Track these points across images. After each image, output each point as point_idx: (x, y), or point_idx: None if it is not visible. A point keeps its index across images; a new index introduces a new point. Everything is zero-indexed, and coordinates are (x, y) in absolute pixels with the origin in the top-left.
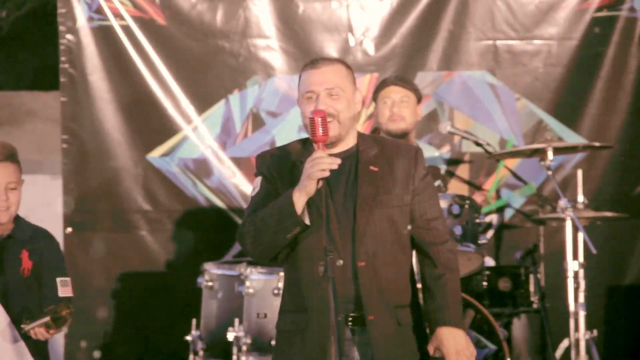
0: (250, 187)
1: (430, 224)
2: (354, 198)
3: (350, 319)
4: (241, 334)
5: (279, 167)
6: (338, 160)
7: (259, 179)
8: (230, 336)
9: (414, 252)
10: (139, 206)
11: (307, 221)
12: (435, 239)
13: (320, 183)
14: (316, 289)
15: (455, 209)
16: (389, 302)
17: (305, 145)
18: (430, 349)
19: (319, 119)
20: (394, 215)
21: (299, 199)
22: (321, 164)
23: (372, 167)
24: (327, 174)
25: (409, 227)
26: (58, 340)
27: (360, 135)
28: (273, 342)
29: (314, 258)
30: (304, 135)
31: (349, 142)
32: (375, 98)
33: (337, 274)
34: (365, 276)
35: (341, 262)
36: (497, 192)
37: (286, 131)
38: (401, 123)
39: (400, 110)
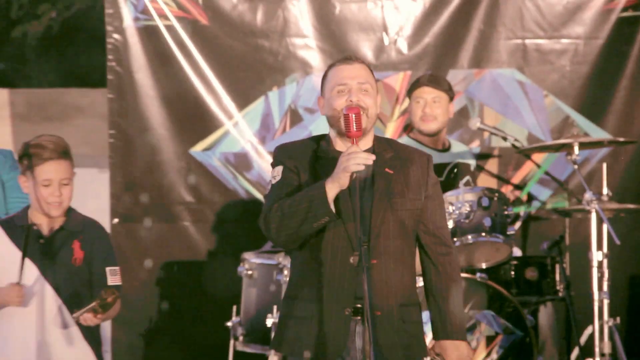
0: None
1: (439, 232)
2: (371, 198)
3: (356, 310)
4: None
5: (301, 159)
6: (373, 157)
7: (279, 168)
8: (269, 322)
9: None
10: (182, 198)
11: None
12: (443, 249)
13: (354, 176)
14: (339, 279)
15: (485, 202)
16: (396, 299)
17: (326, 140)
18: (431, 353)
19: (354, 115)
20: (406, 218)
21: (332, 190)
22: (357, 159)
23: (387, 170)
24: (362, 167)
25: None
26: (106, 327)
27: (375, 137)
28: None
29: (338, 249)
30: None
31: (367, 143)
32: (409, 96)
33: (357, 275)
34: (376, 273)
35: (356, 258)
36: (524, 187)
37: (323, 126)
38: (433, 123)
39: (432, 111)
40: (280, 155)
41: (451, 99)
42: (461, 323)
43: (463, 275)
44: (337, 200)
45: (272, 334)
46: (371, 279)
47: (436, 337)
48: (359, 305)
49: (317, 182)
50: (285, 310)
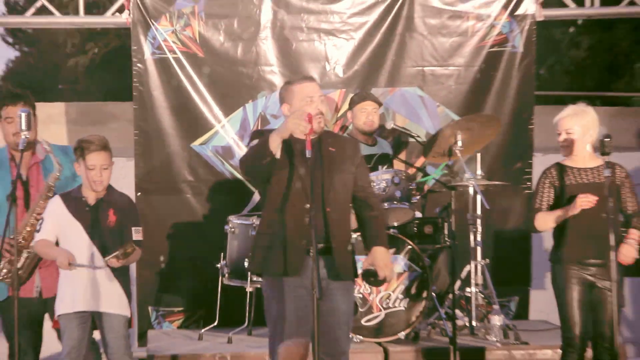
0: None
1: (367, 188)
2: (322, 168)
3: (320, 248)
4: None
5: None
6: (308, 128)
7: (255, 140)
8: (246, 264)
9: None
10: (185, 178)
11: (277, 156)
12: (371, 195)
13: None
14: (298, 221)
15: (396, 180)
16: (343, 236)
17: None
18: (365, 264)
19: (309, 117)
20: (346, 180)
21: (274, 139)
22: (300, 127)
23: (330, 148)
24: (298, 129)
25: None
26: (132, 268)
27: (323, 131)
28: None
29: (298, 205)
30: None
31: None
32: (352, 107)
33: (311, 219)
34: (331, 217)
35: (315, 216)
36: (423, 170)
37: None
38: (372, 126)
39: (373, 118)
40: (255, 135)
41: (379, 107)
42: (386, 237)
43: None
44: (294, 162)
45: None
46: (328, 221)
47: (370, 246)
48: (316, 245)
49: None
50: (257, 242)
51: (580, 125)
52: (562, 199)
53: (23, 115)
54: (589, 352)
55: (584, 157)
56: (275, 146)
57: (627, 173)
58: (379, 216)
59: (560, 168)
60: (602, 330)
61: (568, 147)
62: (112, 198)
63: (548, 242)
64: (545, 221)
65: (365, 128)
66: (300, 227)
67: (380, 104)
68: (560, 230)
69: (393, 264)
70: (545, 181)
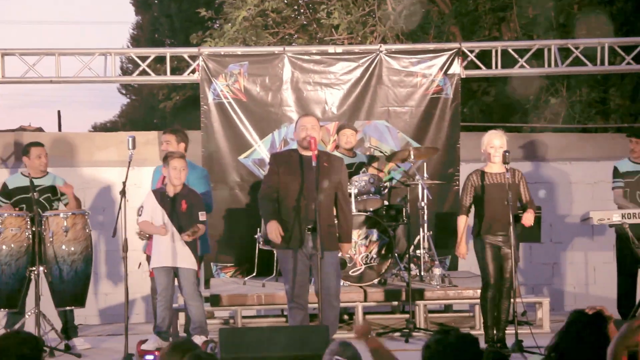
0: None
1: (345, 200)
2: (317, 176)
3: (310, 227)
4: None
5: (280, 161)
6: (279, 240)
7: (269, 166)
8: None
9: None
10: (235, 179)
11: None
12: (346, 208)
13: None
14: (300, 216)
15: (371, 180)
16: (326, 220)
17: (295, 151)
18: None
19: (313, 140)
20: (332, 187)
21: (270, 236)
22: (275, 238)
23: (325, 164)
24: (275, 240)
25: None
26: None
27: (319, 150)
28: None
29: (306, 202)
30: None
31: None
32: (338, 132)
33: (308, 210)
34: (320, 209)
35: (313, 206)
36: (389, 173)
37: (294, 146)
38: (350, 144)
39: (351, 140)
40: (271, 159)
41: (356, 132)
42: (351, 235)
43: (362, 214)
44: (300, 172)
45: None
46: (319, 211)
47: (341, 240)
48: (310, 226)
49: (273, 219)
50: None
51: (500, 143)
52: (482, 193)
53: None
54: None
55: (496, 165)
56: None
57: (522, 175)
58: (347, 220)
59: (481, 173)
60: (505, 277)
61: (489, 156)
62: (184, 192)
63: (470, 220)
64: (459, 224)
65: (346, 146)
66: (301, 216)
67: (355, 130)
68: (478, 214)
69: (361, 243)
70: (468, 183)
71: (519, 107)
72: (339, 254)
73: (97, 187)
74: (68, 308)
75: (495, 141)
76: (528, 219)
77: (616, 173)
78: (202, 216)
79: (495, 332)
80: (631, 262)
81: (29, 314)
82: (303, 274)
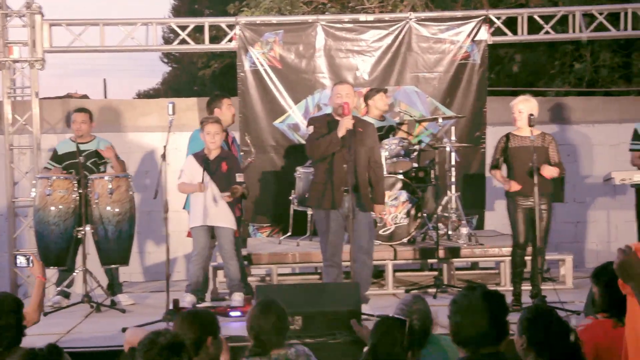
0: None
1: (378, 164)
2: (354, 140)
3: (347, 188)
4: None
5: (320, 123)
6: (352, 122)
7: (311, 127)
8: (307, 195)
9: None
10: (270, 143)
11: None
12: (378, 172)
13: (347, 133)
14: (339, 174)
15: (401, 143)
16: (365, 182)
17: (331, 115)
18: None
19: (346, 105)
20: (367, 149)
21: (338, 135)
22: (348, 124)
23: (359, 129)
24: (350, 126)
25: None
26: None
27: (353, 116)
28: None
29: (340, 162)
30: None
31: (350, 118)
32: (373, 97)
33: (346, 173)
34: (358, 172)
35: (347, 168)
36: (418, 137)
37: (329, 111)
38: (386, 107)
39: (385, 101)
40: (311, 121)
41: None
42: (384, 196)
43: (392, 175)
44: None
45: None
46: (357, 174)
47: (375, 202)
48: (347, 188)
49: (332, 132)
50: (313, 187)
51: (526, 107)
52: (512, 154)
53: None
54: (528, 250)
55: (524, 129)
56: (339, 140)
57: (552, 137)
58: (379, 183)
59: (511, 136)
60: (537, 236)
61: (517, 120)
62: (223, 154)
63: (495, 183)
64: (495, 175)
65: (384, 108)
66: (340, 178)
67: (387, 94)
68: (508, 175)
69: (391, 204)
70: (499, 145)
71: (543, 73)
72: (372, 215)
73: (141, 151)
74: (113, 266)
75: (520, 105)
76: (547, 170)
77: (636, 135)
78: (239, 177)
79: (531, 288)
80: None
81: (77, 271)
82: (338, 233)
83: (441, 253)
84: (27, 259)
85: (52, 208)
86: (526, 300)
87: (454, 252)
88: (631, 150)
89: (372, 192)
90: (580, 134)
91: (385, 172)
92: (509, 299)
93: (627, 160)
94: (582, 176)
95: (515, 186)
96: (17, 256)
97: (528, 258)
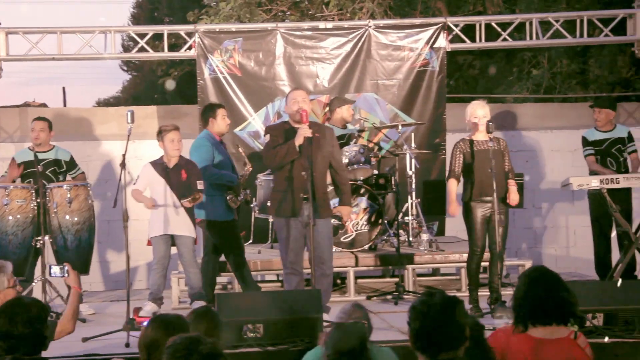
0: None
1: (340, 166)
2: (311, 147)
3: (307, 196)
4: None
5: (277, 131)
6: (310, 131)
7: (268, 136)
8: (268, 204)
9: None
10: (231, 150)
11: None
12: (342, 174)
13: (305, 141)
14: (298, 185)
15: (361, 150)
16: (321, 189)
17: (287, 123)
18: (336, 210)
19: (304, 113)
20: (326, 156)
21: (296, 144)
22: (306, 133)
23: (316, 134)
24: (308, 134)
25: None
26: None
27: (310, 121)
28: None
29: (298, 169)
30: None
31: (306, 124)
32: (340, 105)
33: (305, 181)
34: (315, 179)
35: (306, 176)
36: (378, 144)
37: (286, 119)
38: (353, 118)
39: (351, 113)
40: (268, 130)
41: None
42: (349, 198)
43: (353, 182)
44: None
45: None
46: (313, 181)
47: (340, 204)
48: (306, 195)
49: (289, 141)
50: (273, 195)
51: (483, 113)
52: (471, 160)
53: None
54: (486, 256)
55: (482, 134)
56: (296, 149)
57: (506, 143)
58: (345, 184)
59: (469, 141)
60: (495, 241)
61: (475, 126)
62: (182, 162)
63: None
64: (450, 187)
65: (349, 120)
66: (296, 185)
67: (352, 104)
68: (467, 181)
69: (352, 210)
70: (456, 150)
71: (501, 80)
72: (333, 220)
73: (101, 159)
74: None
75: (479, 111)
76: (513, 200)
77: (585, 142)
78: (200, 184)
79: (489, 293)
80: (605, 226)
81: (36, 281)
82: (298, 241)
83: (402, 259)
84: (62, 269)
85: (10, 218)
86: (484, 305)
87: (415, 258)
88: (586, 156)
89: (339, 196)
90: (537, 140)
91: None
92: (468, 305)
93: (584, 166)
94: (540, 182)
95: (455, 212)
96: (51, 266)
97: (485, 264)
